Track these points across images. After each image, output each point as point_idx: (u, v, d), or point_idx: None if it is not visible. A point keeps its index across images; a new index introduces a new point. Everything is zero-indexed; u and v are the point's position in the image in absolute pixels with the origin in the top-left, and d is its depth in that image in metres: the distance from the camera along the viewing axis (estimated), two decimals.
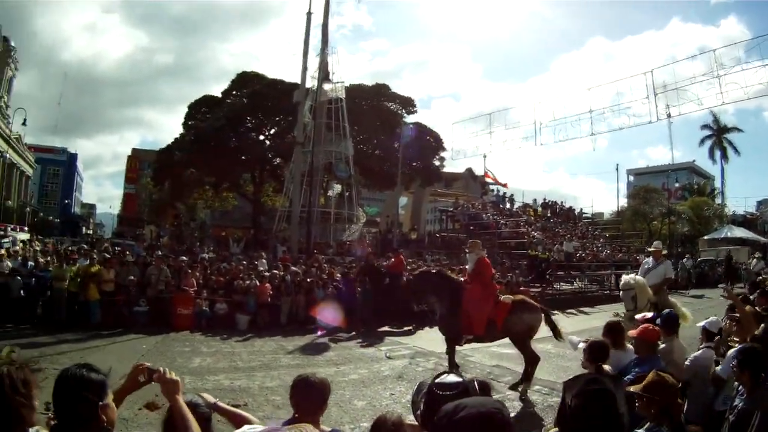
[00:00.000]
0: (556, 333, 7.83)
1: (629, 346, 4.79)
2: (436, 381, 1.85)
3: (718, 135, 47.87)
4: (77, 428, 1.79)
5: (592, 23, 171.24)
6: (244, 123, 32.12)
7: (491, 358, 9.52)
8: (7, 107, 43.41)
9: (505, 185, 33.84)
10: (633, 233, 36.72)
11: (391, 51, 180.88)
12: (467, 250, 9.21)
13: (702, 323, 5.30)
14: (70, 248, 16.96)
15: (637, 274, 9.06)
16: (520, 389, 7.30)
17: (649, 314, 5.75)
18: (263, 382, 7.88)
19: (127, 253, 15.20)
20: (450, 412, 1.49)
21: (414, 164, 33.32)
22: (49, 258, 14.44)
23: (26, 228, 34.46)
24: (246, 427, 2.47)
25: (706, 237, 34.22)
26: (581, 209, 39.08)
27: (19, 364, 1.72)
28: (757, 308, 6.00)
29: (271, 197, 35.82)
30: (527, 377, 7.47)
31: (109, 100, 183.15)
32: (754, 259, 23.47)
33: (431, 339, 10.55)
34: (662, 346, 4.76)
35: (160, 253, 15.76)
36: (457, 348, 8.20)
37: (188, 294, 12.72)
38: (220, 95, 34.40)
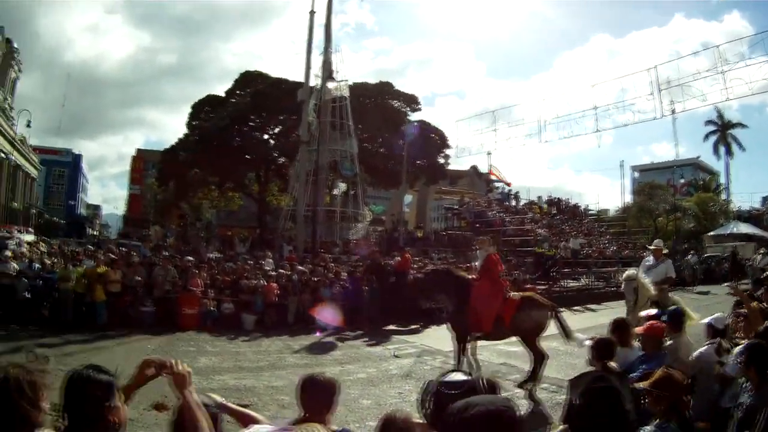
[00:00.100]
0: (567, 333, 7.59)
1: (636, 343, 4.78)
2: (443, 380, 1.85)
3: (723, 131, 47.68)
4: (85, 429, 1.79)
5: (594, 20, 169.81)
6: (248, 122, 31.98)
7: (499, 356, 9.53)
8: (11, 109, 43.45)
9: (509, 185, 33.78)
10: (639, 230, 36.53)
11: (394, 49, 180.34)
12: (476, 248, 9.17)
13: (707, 319, 5.24)
14: (75, 249, 17.04)
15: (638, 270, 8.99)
16: (527, 387, 7.25)
17: (653, 311, 5.73)
18: (270, 382, 7.90)
19: (134, 253, 15.24)
20: (459, 410, 1.49)
21: (419, 162, 33.14)
22: (55, 259, 14.51)
23: (32, 229, 34.48)
24: (254, 426, 2.49)
25: (711, 233, 34.02)
26: (586, 206, 38.85)
27: (26, 367, 1.73)
28: (763, 304, 5.97)
29: (276, 196, 35.72)
30: (534, 375, 7.43)
31: (113, 101, 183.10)
32: (760, 255, 23.31)
33: (438, 337, 10.54)
34: (669, 342, 4.75)
35: (166, 253, 15.81)
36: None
37: (194, 294, 12.74)
38: (223, 95, 34.21)
